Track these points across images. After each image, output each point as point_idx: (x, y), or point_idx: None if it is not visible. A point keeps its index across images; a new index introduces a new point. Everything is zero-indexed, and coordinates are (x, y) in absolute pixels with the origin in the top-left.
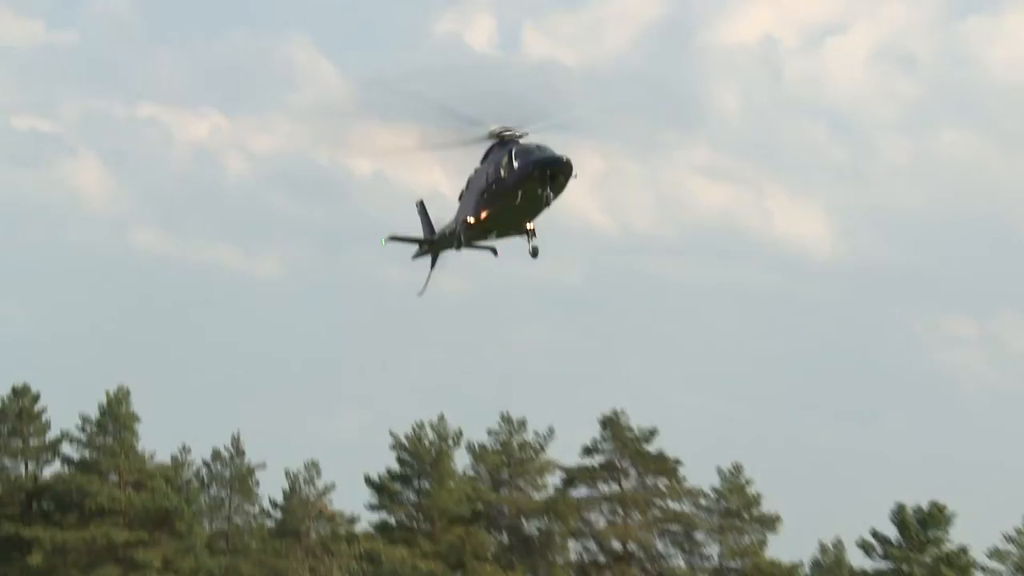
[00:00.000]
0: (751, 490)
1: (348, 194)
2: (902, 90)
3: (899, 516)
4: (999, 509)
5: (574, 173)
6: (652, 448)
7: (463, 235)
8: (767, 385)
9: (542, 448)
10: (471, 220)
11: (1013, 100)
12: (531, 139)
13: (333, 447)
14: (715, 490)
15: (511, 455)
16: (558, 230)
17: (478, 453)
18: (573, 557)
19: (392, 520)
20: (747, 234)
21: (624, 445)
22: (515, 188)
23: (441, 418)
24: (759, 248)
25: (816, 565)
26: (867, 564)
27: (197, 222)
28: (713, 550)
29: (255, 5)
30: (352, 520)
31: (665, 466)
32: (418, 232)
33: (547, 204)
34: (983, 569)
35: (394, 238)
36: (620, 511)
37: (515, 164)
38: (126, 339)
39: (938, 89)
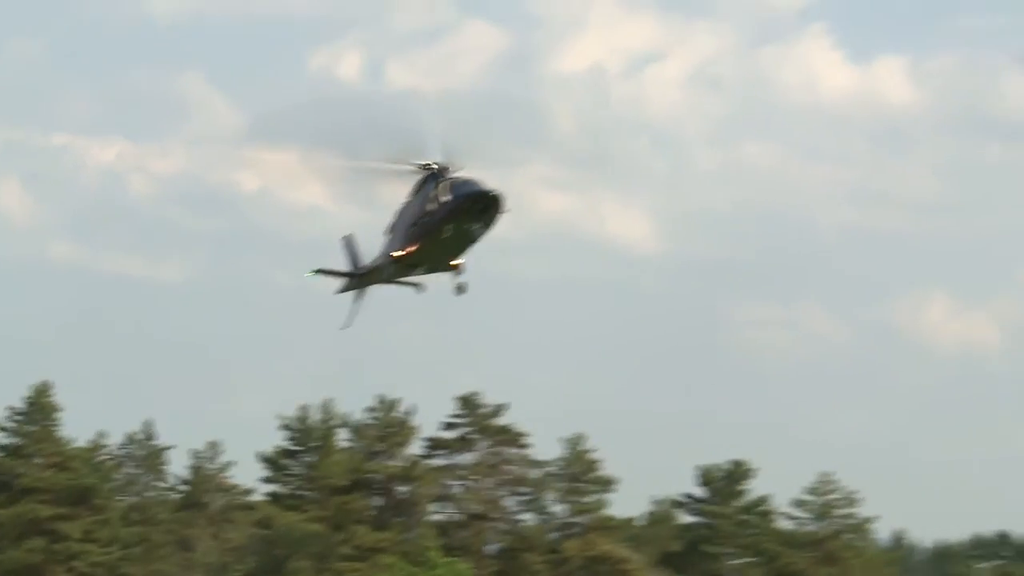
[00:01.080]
0: (591, 456)
1: (238, 208)
2: (711, 109)
3: (704, 475)
4: (800, 464)
5: (504, 208)
6: (503, 422)
7: (388, 270)
8: (605, 364)
9: (411, 424)
10: (397, 254)
11: (804, 116)
12: (461, 174)
13: (232, 429)
14: (560, 458)
15: (385, 431)
16: None
17: (357, 429)
18: (436, 518)
19: (283, 491)
20: (583, 235)
21: (478, 419)
22: (444, 222)
23: (327, 401)
24: (594, 247)
25: (648, 518)
26: (688, 518)
27: (107, 236)
28: (558, 509)
29: (154, 45)
30: (249, 492)
31: (514, 437)
32: (342, 264)
33: (474, 240)
34: (787, 516)
35: (320, 271)
36: (476, 477)
37: (444, 198)
38: (47, 339)
39: (742, 107)
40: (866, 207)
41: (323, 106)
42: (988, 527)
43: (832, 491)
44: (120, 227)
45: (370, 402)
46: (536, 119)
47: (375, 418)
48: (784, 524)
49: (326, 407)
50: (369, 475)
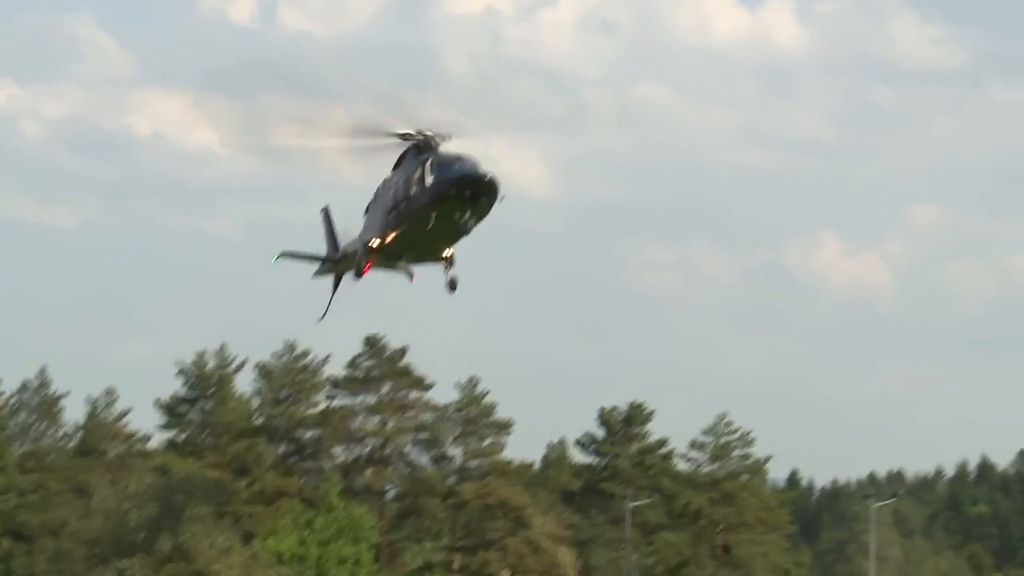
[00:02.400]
0: (487, 400)
1: (130, 152)
2: (605, 51)
3: (603, 417)
4: (697, 405)
5: (500, 194)
6: (404, 364)
7: (364, 260)
8: (504, 310)
9: (318, 370)
10: (375, 243)
11: (698, 58)
12: (451, 146)
13: (128, 375)
14: (456, 401)
15: (292, 376)
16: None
17: (265, 371)
18: (340, 460)
19: (181, 437)
20: None
21: (383, 361)
22: (428, 209)
23: (222, 346)
24: None
25: (545, 461)
26: (587, 459)
27: None
28: (456, 452)
29: None
30: (146, 439)
31: (416, 380)
32: (318, 247)
33: (464, 231)
34: (684, 457)
35: (287, 254)
36: (378, 418)
37: (429, 180)
38: None
39: (635, 50)
40: (757, 149)
41: (215, 47)
42: (882, 466)
43: (728, 432)
44: (11, 171)
45: (273, 348)
46: (427, 62)
47: (282, 364)
48: (682, 465)
49: (223, 353)
50: (272, 419)
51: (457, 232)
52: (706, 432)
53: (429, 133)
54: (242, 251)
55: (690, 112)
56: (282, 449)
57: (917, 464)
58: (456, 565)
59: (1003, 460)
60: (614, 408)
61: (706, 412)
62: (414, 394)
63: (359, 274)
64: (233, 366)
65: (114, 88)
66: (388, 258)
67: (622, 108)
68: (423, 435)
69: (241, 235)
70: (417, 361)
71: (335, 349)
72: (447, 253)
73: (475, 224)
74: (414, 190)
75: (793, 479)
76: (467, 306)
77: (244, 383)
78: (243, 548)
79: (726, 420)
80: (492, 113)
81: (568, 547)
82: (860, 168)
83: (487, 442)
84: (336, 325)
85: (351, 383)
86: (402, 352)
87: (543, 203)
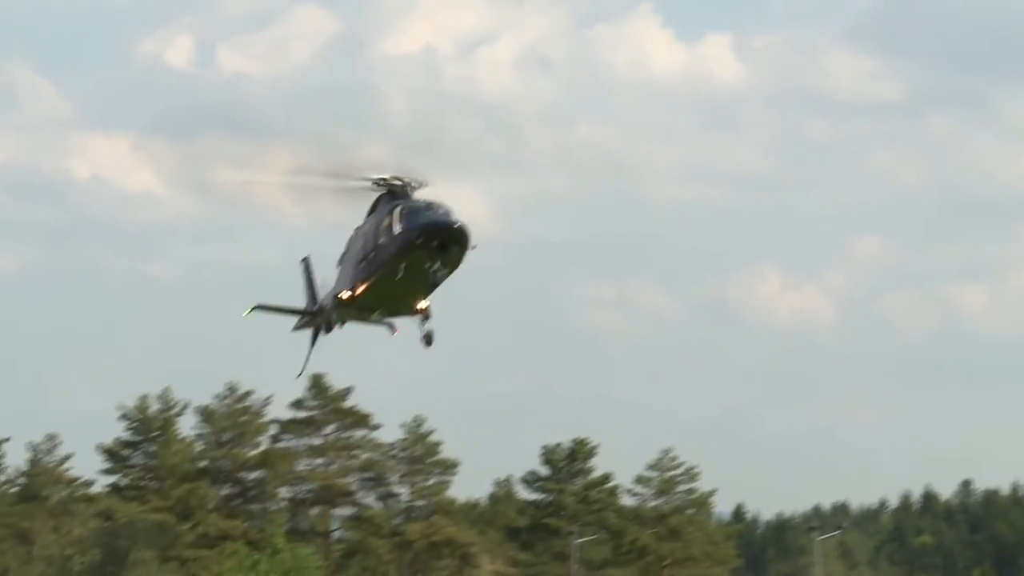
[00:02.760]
0: (432, 438)
1: (69, 196)
2: (544, 89)
3: (547, 454)
4: (641, 440)
5: (472, 243)
6: (349, 404)
7: (335, 313)
8: (447, 347)
9: (261, 412)
10: (345, 295)
11: (635, 94)
12: (424, 193)
13: (70, 420)
14: (401, 440)
15: (234, 418)
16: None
17: (207, 414)
18: (285, 501)
19: (124, 481)
20: None
21: (327, 401)
22: (396, 259)
23: (166, 389)
24: None
25: (491, 498)
26: (532, 496)
27: None
28: (403, 491)
29: None
30: (89, 483)
31: (361, 418)
32: (293, 299)
33: (435, 283)
34: (629, 492)
35: (261, 307)
36: (322, 459)
37: (397, 228)
38: None
39: (573, 87)
40: (697, 183)
41: (154, 91)
42: (827, 498)
43: (673, 467)
44: None
45: (215, 390)
46: (367, 101)
47: (224, 406)
48: (627, 500)
49: (165, 396)
50: (216, 462)
51: (428, 283)
52: (651, 467)
53: (403, 179)
54: (183, 293)
55: (629, 148)
56: (226, 491)
57: (861, 496)
58: None
59: (946, 490)
60: (558, 445)
61: (650, 447)
62: (359, 433)
63: (328, 329)
64: (176, 409)
65: (52, 132)
66: (361, 311)
67: (561, 145)
68: (369, 474)
69: (182, 277)
70: (361, 400)
71: (278, 390)
72: (422, 305)
73: (446, 275)
74: (383, 239)
75: (739, 512)
76: (405, 343)
77: (187, 426)
78: None
79: (671, 455)
80: (433, 152)
81: None
82: (801, 201)
83: (432, 481)
84: (278, 366)
85: (295, 425)
86: (346, 392)
87: (484, 240)
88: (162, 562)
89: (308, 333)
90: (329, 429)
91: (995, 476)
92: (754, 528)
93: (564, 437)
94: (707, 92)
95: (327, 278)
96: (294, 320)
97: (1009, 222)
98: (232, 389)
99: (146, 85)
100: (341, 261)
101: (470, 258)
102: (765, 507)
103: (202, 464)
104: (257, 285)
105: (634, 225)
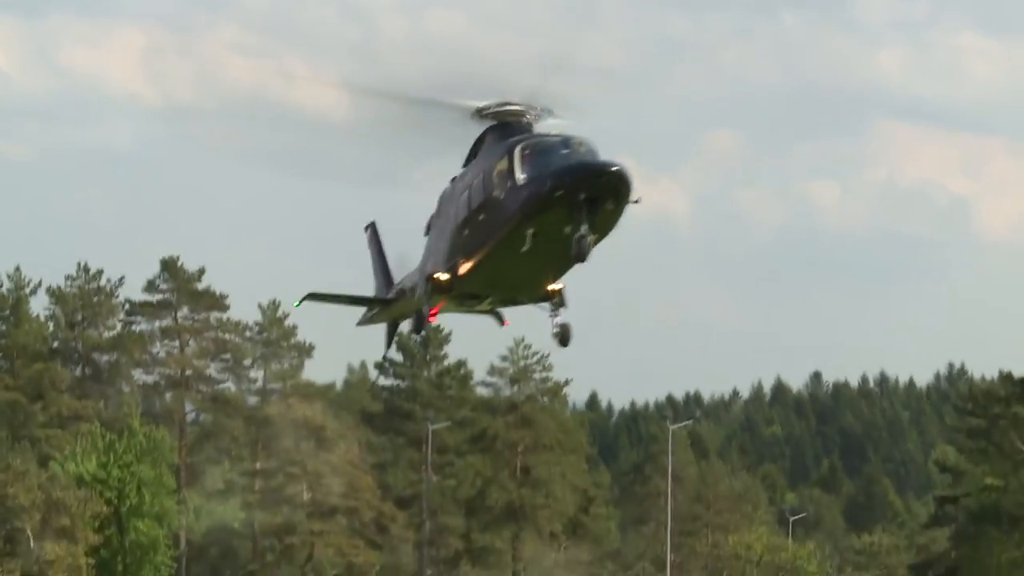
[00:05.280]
0: (288, 322)
1: None
2: None
3: (400, 340)
4: (495, 329)
5: (633, 195)
6: (202, 286)
7: (428, 299)
8: (298, 229)
9: (113, 293)
10: (442, 276)
11: None
12: (550, 125)
13: None
14: (257, 323)
15: (86, 299)
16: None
17: (58, 295)
18: (138, 384)
19: None
20: (273, 102)
21: (179, 284)
22: (521, 222)
23: (16, 268)
24: (285, 114)
25: (346, 384)
26: (387, 381)
27: None
28: (258, 374)
29: None
30: None
31: (215, 300)
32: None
33: (580, 254)
34: (483, 384)
35: (315, 296)
36: (177, 342)
37: (519, 175)
38: None
39: None
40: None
41: None
42: (680, 388)
43: (527, 356)
44: None
45: (67, 271)
46: None
47: (75, 287)
48: (481, 390)
49: (17, 275)
50: (68, 343)
51: (567, 257)
52: (504, 357)
53: (517, 106)
54: (36, 174)
55: (485, 38)
56: (79, 372)
57: (713, 387)
58: (257, 486)
59: (796, 382)
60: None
61: (504, 337)
62: (214, 315)
63: (419, 326)
64: (28, 289)
65: None
66: (463, 299)
67: (415, 35)
68: (224, 356)
69: (35, 158)
70: (214, 281)
71: (130, 271)
72: (554, 287)
73: (596, 242)
74: (498, 193)
75: (593, 401)
76: (262, 229)
77: (39, 306)
78: (40, 471)
79: (524, 343)
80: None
81: (369, 470)
82: (658, 95)
83: (287, 364)
84: (127, 242)
85: (148, 307)
86: (200, 273)
87: (341, 122)
88: (13, 442)
89: (379, 326)
90: (182, 311)
91: (843, 369)
92: (608, 417)
93: None
94: None
95: (406, 252)
96: (355, 312)
97: (861, 120)
98: (84, 269)
99: None
100: (431, 227)
101: (326, 140)
102: (619, 396)
103: (54, 344)
104: (108, 165)
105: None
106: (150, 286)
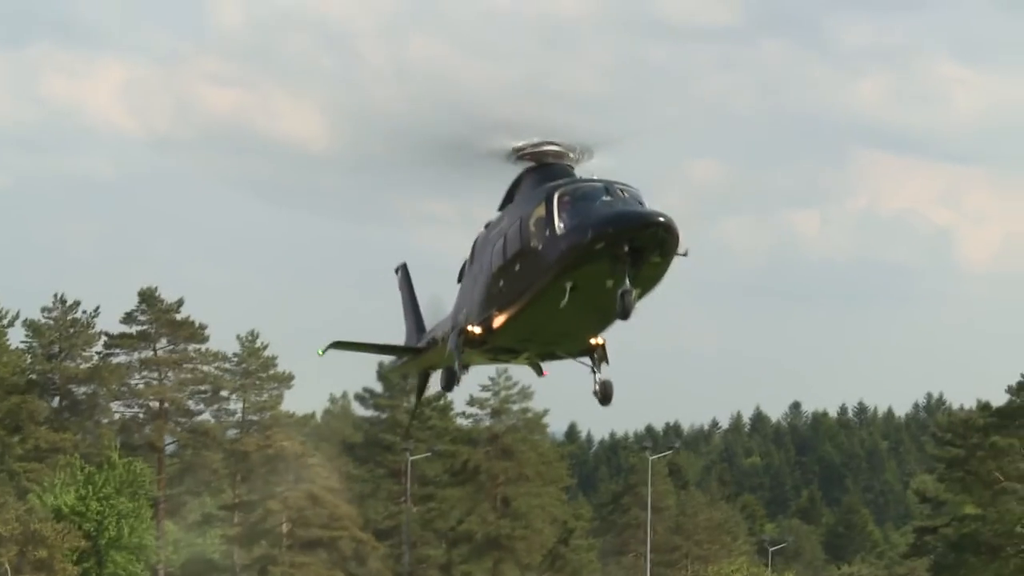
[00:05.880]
0: (267, 352)
1: None
2: (382, 4)
3: (381, 371)
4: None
5: (681, 247)
6: (181, 316)
7: (460, 352)
8: (277, 260)
9: (90, 324)
10: (475, 330)
11: (474, 13)
12: (591, 166)
13: None
14: (236, 354)
15: (63, 330)
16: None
17: (34, 327)
18: (116, 416)
19: None
20: (254, 132)
21: (159, 314)
22: (560, 274)
23: None
24: (266, 143)
25: (327, 414)
26: (367, 412)
27: None
28: (237, 406)
29: None
30: None
31: (194, 332)
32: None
33: (624, 310)
34: (463, 415)
35: (340, 345)
36: (156, 373)
37: (558, 224)
38: None
39: (411, 1)
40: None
41: None
42: (659, 419)
43: (508, 387)
44: None
45: (42, 302)
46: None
47: (51, 318)
48: (461, 422)
49: None
50: (45, 375)
51: (609, 312)
52: (484, 387)
53: (557, 146)
54: (14, 202)
55: (465, 67)
56: (56, 404)
57: (693, 417)
58: (236, 519)
59: (775, 412)
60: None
61: (485, 368)
62: (193, 346)
63: (449, 383)
64: (5, 320)
65: None
66: (498, 352)
67: (398, 61)
68: (203, 387)
69: (13, 186)
70: (192, 312)
71: (108, 301)
72: (595, 341)
73: (639, 297)
74: (535, 243)
75: (572, 432)
76: (242, 258)
77: (16, 338)
78: (18, 504)
79: (505, 375)
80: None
81: (348, 501)
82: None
83: (266, 396)
84: (109, 276)
85: (127, 339)
86: (179, 304)
87: (322, 156)
88: None
89: (407, 372)
90: (161, 343)
91: (822, 399)
92: (587, 448)
93: None
94: (545, 12)
95: (439, 297)
96: (381, 359)
97: (841, 149)
98: (60, 300)
99: None
100: (464, 274)
101: (308, 175)
102: (598, 427)
103: (31, 377)
104: (90, 197)
105: None
106: (128, 317)
